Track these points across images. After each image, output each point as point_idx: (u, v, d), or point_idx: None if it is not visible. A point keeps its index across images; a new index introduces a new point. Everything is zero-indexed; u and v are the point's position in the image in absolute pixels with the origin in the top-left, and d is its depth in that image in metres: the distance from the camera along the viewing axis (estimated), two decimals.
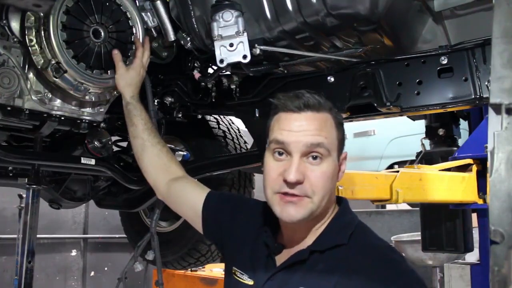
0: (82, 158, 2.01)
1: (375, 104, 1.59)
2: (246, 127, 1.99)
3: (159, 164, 1.56)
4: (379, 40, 1.62)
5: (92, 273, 6.76)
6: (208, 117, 2.66)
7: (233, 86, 1.92)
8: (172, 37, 1.83)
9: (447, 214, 3.06)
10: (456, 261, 3.88)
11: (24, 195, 2.39)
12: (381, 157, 5.90)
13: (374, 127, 5.93)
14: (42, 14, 1.59)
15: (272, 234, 1.20)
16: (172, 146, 2.53)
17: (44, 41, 1.59)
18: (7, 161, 1.91)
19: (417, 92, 1.54)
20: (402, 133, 5.65)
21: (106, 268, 6.82)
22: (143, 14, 1.81)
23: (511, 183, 0.68)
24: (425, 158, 3.16)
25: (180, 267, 3.06)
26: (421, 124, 3.59)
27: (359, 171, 2.29)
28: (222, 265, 5.48)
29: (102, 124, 2.05)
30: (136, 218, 3.07)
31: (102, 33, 1.70)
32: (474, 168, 2.87)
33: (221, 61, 1.55)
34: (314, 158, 1.07)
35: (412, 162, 3.52)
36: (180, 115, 2.13)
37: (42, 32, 1.59)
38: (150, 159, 1.57)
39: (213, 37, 1.54)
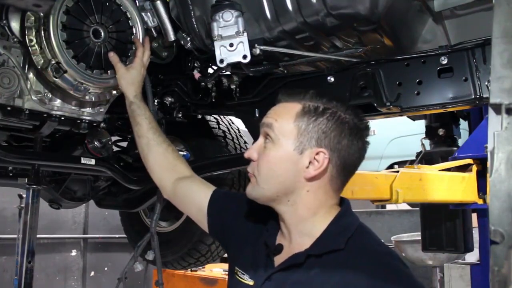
0: (82, 158, 2.01)
1: (375, 104, 1.59)
2: (246, 127, 1.99)
3: (165, 163, 1.55)
4: (379, 40, 1.62)
5: (92, 273, 6.76)
6: (208, 117, 2.66)
7: (233, 86, 1.92)
8: (172, 37, 1.83)
9: (447, 214, 3.06)
10: (456, 261, 3.87)
11: (24, 195, 2.39)
12: (381, 157, 5.90)
13: (374, 127, 5.92)
14: (42, 14, 1.59)
15: (273, 233, 1.20)
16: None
17: (44, 41, 1.59)
18: (7, 161, 1.91)
19: (417, 92, 1.54)
20: (402, 133, 5.65)
21: (106, 268, 6.83)
22: (143, 14, 1.81)
23: (511, 183, 0.68)
24: (425, 158, 3.16)
25: (180, 267, 3.06)
26: (421, 124, 3.58)
27: (359, 171, 2.28)
28: (222, 265, 5.52)
29: (102, 124, 2.05)
30: (136, 218, 3.07)
31: (102, 33, 1.70)
32: (474, 168, 2.87)
33: (221, 61, 1.55)
34: (267, 141, 1.13)
35: (412, 162, 3.52)
36: (180, 115, 2.13)
37: (42, 32, 1.59)
38: (155, 158, 1.57)
39: (213, 37, 1.54)
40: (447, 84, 1.50)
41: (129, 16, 1.76)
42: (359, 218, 1.15)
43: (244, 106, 1.92)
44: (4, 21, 1.60)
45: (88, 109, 1.86)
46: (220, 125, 2.69)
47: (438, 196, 2.61)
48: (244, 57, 1.53)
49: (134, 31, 1.77)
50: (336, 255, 1.06)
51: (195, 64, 1.99)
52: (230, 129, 2.72)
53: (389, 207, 6.76)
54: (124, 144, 2.64)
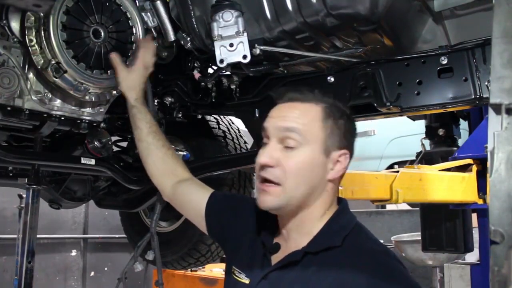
0: (82, 158, 2.00)
1: (375, 104, 1.59)
2: (246, 127, 1.99)
3: (164, 167, 1.55)
4: (379, 40, 1.62)
5: (92, 273, 6.76)
6: (208, 117, 2.66)
7: (233, 86, 1.92)
8: (172, 37, 1.83)
9: (447, 214, 3.06)
10: (456, 261, 3.87)
11: (24, 195, 2.39)
12: (381, 157, 5.90)
13: (374, 127, 5.93)
14: (42, 14, 1.59)
15: (270, 233, 1.20)
16: (172, 146, 2.53)
17: (44, 41, 1.59)
18: (7, 161, 1.91)
19: (417, 92, 1.54)
20: (402, 133, 5.65)
21: (106, 268, 6.82)
22: (143, 14, 1.81)
23: (511, 183, 0.68)
24: (425, 158, 3.16)
25: (180, 267, 3.06)
26: (421, 124, 3.59)
27: (359, 171, 2.29)
28: (222, 265, 5.51)
29: (102, 124, 2.05)
30: (136, 218, 3.07)
31: (102, 33, 1.70)
32: (474, 168, 2.87)
33: (221, 61, 1.55)
34: (289, 146, 1.08)
35: (412, 162, 3.52)
36: (180, 115, 2.13)
37: (42, 32, 1.59)
38: (155, 162, 1.56)
39: (213, 37, 1.54)
40: (447, 84, 1.50)
41: (129, 16, 1.76)
42: (356, 217, 1.16)
43: (244, 106, 1.92)
44: (4, 21, 1.60)
45: (88, 109, 1.86)
46: (220, 125, 2.69)
47: (438, 196, 2.61)
48: (244, 57, 1.53)
49: (134, 31, 1.77)
50: (332, 252, 1.07)
51: (195, 64, 1.99)
52: (230, 129, 2.72)
53: (389, 207, 6.76)
54: (124, 144, 2.64)
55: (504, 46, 0.73)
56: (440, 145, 3.22)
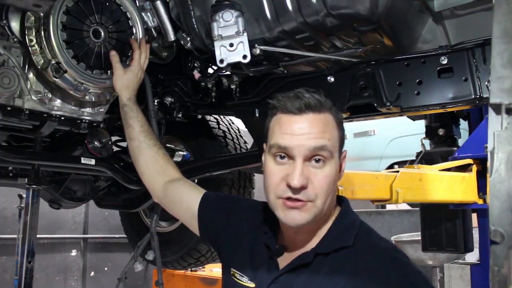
0: (82, 158, 2.01)
1: (375, 104, 1.59)
2: (246, 127, 1.99)
3: (156, 167, 1.54)
4: (379, 40, 1.62)
5: (92, 273, 6.76)
6: (208, 117, 2.66)
7: (233, 86, 1.92)
8: (172, 37, 1.83)
9: (447, 214, 3.06)
10: (456, 261, 3.87)
11: (24, 195, 2.39)
12: (381, 157, 5.90)
13: (374, 127, 5.93)
14: (42, 14, 1.59)
15: (272, 235, 1.18)
16: (172, 146, 2.53)
17: (44, 41, 1.59)
18: (7, 161, 1.91)
19: (417, 92, 1.54)
20: (402, 133, 5.65)
21: (106, 268, 6.82)
22: (143, 14, 1.81)
23: (511, 183, 0.68)
24: (425, 158, 3.16)
25: (180, 267, 3.06)
26: (421, 124, 3.58)
27: (359, 171, 2.29)
28: None
29: (102, 124, 2.05)
30: (136, 218, 3.07)
31: (102, 33, 1.70)
32: (474, 168, 2.86)
33: (221, 61, 1.55)
34: (317, 161, 1.04)
35: (412, 162, 3.51)
36: (180, 115, 2.13)
37: (42, 32, 1.59)
38: (146, 161, 1.56)
39: (213, 37, 1.54)
40: (447, 84, 1.50)
41: (129, 16, 1.76)
42: (363, 217, 1.16)
43: (244, 106, 1.92)
44: (4, 21, 1.60)
45: (88, 109, 1.86)
46: (220, 125, 2.69)
47: (438, 196, 2.61)
48: (244, 57, 1.53)
49: (134, 31, 1.77)
50: (344, 252, 1.06)
51: (195, 64, 1.99)
52: (230, 129, 2.73)
53: (389, 207, 6.76)
54: (124, 144, 2.64)
55: (504, 46, 0.73)
56: (440, 145, 3.22)
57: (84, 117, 1.86)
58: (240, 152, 2.65)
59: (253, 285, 1.15)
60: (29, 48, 1.62)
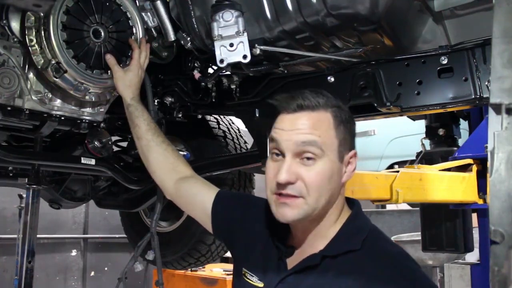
0: (82, 158, 2.01)
1: (375, 104, 1.59)
2: (246, 127, 1.99)
3: (166, 164, 1.54)
4: (379, 40, 1.62)
5: (92, 273, 6.76)
6: (208, 117, 2.66)
7: (233, 86, 1.92)
8: (172, 37, 1.83)
9: (447, 214, 3.06)
10: (456, 261, 3.87)
11: (24, 195, 2.39)
12: (381, 157, 5.89)
13: (374, 127, 5.93)
14: (42, 14, 1.59)
15: (283, 236, 1.18)
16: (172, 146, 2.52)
17: (44, 41, 1.59)
18: (7, 161, 1.91)
19: (417, 92, 1.54)
20: (402, 133, 5.65)
21: (106, 268, 6.82)
22: (143, 14, 1.81)
23: (511, 183, 0.68)
24: (425, 158, 3.16)
25: (180, 267, 3.06)
26: (421, 124, 3.58)
27: (359, 171, 2.29)
28: (222, 265, 5.52)
29: (102, 124, 2.05)
30: (136, 218, 3.07)
31: (102, 33, 1.70)
32: (474, 168, 2.86)
33: (221, 61, 1.55)
34: (308, 158, 1.05)
35: (412, 162, 3.51)
36: (180, 115, 2.13)
37: (42, 32, 1.59)
38: (156, 159, 1.56)
39: (213, 37, 1.54)
40: (447, 84, 1.50)
41: (129, 16, 1.76)
42: (369, 219, 1.16)
43: (244, 106, 1.92)
44: (4, 21, 1.60)
45: (88, 109, 1.86)
46: (220, 125, 2.69)
47: (438, 196, 2.61)
48: (244, 57, 1.53)
49: (134, 31, 1.77)
50: (352, 256, 1.06)
51: (195, 64, 1.99)
52: (230, 129, 2.72)
53: (389, 207, 6.76)
54: (124, 144, 2.64)
55: (504, 46, 0.73)
56: (440, 145, 3.22)
57: (84, 117, 1.85)
58: (240, 152, 2.65)
59: (262, 284, 1.15)
60: (29, 48, 1.62)
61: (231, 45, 1.53)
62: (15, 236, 4.61)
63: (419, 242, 3.42)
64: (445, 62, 1.50)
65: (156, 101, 2.07)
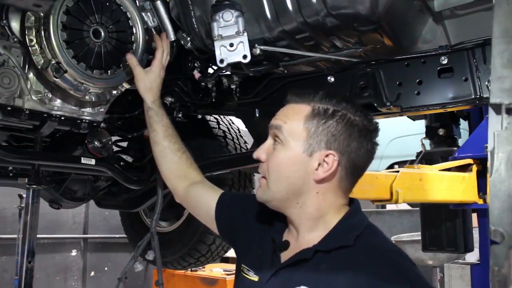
0: (82, 158, 2.00)
1: (375, 104, 1.59)
2: (246, 127, 1.99)
3: (178, 171, 1.55)
4: (379, 40, 1.62)
5: (92, 273, 6.76)
6: (208, 117, 2.66)
7: (233, 86, 1.92)
8: (172, 37, 1.82)
9: (447, 214, 3.06)
10: (456, 261, 3.87)
11: (24, 195, 2.39)
12: (381, 157, 5.89)
13: None
14: (42, 14, 1.59)
15: (280, 230, 1.20)
16: None
17: (44, 41, 1.58)
18: (7, 161, 1.91)
19: (417, 92, 1.54)
20: (402, 133, 5.64)
21: (106, 268, 6.82)
22: (143, 14, 1.81)
23: (511, 183, 0.68)
24: (425, 158, 3.16)
25: (180, 267, 3.06)
26: (421, 124, 3.58)
27: None
28: (222, 265, 5.52)
29: (102, 124, 2.05)
30: (136, 218, 3.07)
31: (102, 33, 1.70)
32: (474, 168, 2.86)
33: (221, 61, 1.55)
34: (276, 142, 1.14)
35: (412, 162, 3.51)
36: (180, 115, 2.13)
37: (42, 32, 1.58)
38: (169, 166, 1.56)
39: (213, 37, 1.54)
40: (447, 84, 1.50)
41: (129, 16, 1.76)
42: (368, 218, 1.16)
43: (244, 106, 1.92)
44: (4, 21, 1.60)
45: (88, 109, 1.86)
46: (220, 125, 2.69)
47: (438, 196, 2.61)
48: (244, 57, 1.53)
49: (134, 31, 1.77)
50: (344, 251, 1.06)
51: (195, 64, 1.99)
52: (230, 129, 2.72)
53: (389, 207, 6.76)
54: (124, 144, 2.64)
55: (504, 46, 0.73)
56: (440, 145, 3.22)
57: (84, 117, 1.85)
58: (240, 152, 2.65)
59: (257, 278, 1.16)
60: (29, 48, 1.62)
61: (231, 45, 1.53)
62: (15, 236, 4.61)
63: (419, 242, 3.42)
64: (445, 62, 1.50)
65: None
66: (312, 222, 1.13)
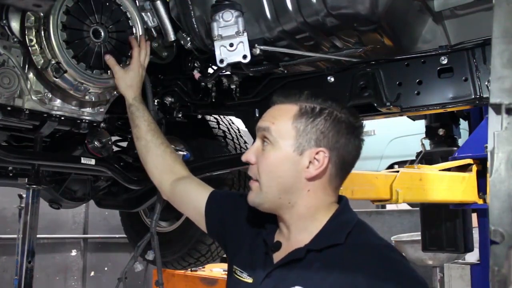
0: (82, 158, 2.00)
1: (375, 104, 1.59)
2: (246, 127, 1.99)
3: (163, 165, 1.56)
4: (379, 40, 1.62)
5: (92, 273, 6.76)
6: (208, 117, 2.66)
7: (233, 86, 1.92)
8: (172, 37, 1.83)
9: (447, 214, 3.06)
10: (456, 261, 3.88)
11: (24, 195, 2.39)
12: (381, 157, 5.90)
13: (374, 127, 5.93)
14: (42, 14, 1.59)
15: (271, 231, 1.20)
16: (172, 146, 2.52)
17: (44, 41, 1.58)
18: (7, 161, 1.91)
19: (417, 92, 1.54)
20: (402, 133, 5.65)
21: (106, 268, 6.82)
22: (143, 14, 1.81)
23: (511, 183, 0.68)
24: (425, 158, 3.16)
25: (180, 267, 3.06)
26: (421, 124, 3.59)
27: (359, 171, 2.29)
28: (222, 265, 5.52)
29: (102, 124, 2.04)
30: (136, 218, 3.07)
31: (102, 33, 1.70)
32: (474, 168, 2.87)
33: (221, 61, 1.55)
34: (265, 143, 1.14)
35: (412, 162, 3.52)
36: (180, 115, 2.13)
37: (42, 32, 1.58)
38: (154, 160, 1.57)
39: (213, 37, 1.54)
40: (447, 84, 1.50)
41: (129, 16, 1.76)
42: (357, 215, 1.16)
43: (244, 106, 1.92)
44: (4, 21, 1.60)
45: (88, 109, 1.86)
46: (220, 125, 2.69)
47: (438, 196, 2.61)
48: (244, 57, 1.53)
49: (134, 31, 1.77)
50: (336, 249, 1.07)
51: (195, 64, 1.99)
52: (230, 129, 2.72)
53: (389, 207, 6.76)
54: (124, 144, 2.64)
55: (504, 46, 0.73)
56: (440, 145, 3.22)
57: (84, 117, 1.85)
58: (240, 152, 2.64)
59: (251, 280, 1.17)
60: (29, 48, 1.62)
61: (231, 45, 1.53)
62: (15, 236, 4.62)
63: (419, 242, 3.43)
64: (445, 62, 1.50)
65: (156, 101, 2.07)
66: (303, 221, 1.13)
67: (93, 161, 2.01)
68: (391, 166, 5.57)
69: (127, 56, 1.74)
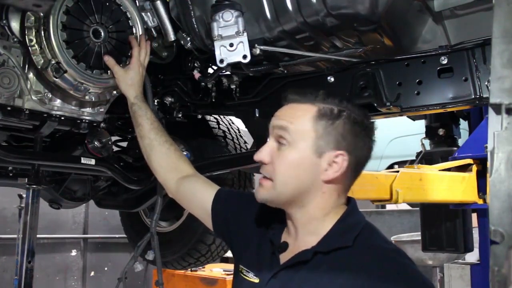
0: (82, 158, 2.00)
1: (375, 104, 1.59)
2: (246, 127, 1.99)
3: (168, 163, 1.55)
4: (379, 40, 1.62)
5: (92, 273, 6.76)
6: (208, 117, 2.66)
7: (233, 86, 1.92)
8: (172, 37, 1.83)
9: (447, 214, 3.06)
10: (456, 261, 3.88)
11: (24, 195, 2.39)
12: (381, 157, 5.89)
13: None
14: (42, 14, 1.59)
15: (279, 231, 1.20)
16: None
17: (44, 41, 1.58)
18: (7, 161, 1.91)
19: (417, 92, 1.54)
20: (402, 133, 5.65)
21: (106, 268, 6.82)
22: (143, 14, 1.81)
23: (511, 183, 0.68)
24: (425, 158, 3.16)
25: (180, 267, 3.06)
26: (421, 124, 3.59)
27: None
28: (222, 265, 5.52)
29: (102, 124, 2.05)
30: (136, 218, 3.07)
31: (102, 33, 1.70)
32: (474, 168, 2.87)
33: (221, 61, 1.55)
34: (281, 143, 1.11)
35: (412, 162, 3.51)
36: (180, 115, 2.13)
37: (42, 32, 1.59)
38: (158, 158, 1.57)
39: (213, 37, 1.54)
40: (447, 84, 1.50)
41: (129, 16, 1.76)
42: (365, 217, 1.16)
43: (244, 106, 1.92)
44: (4, 21, 1.60)
45: (88, 109, 1.86)
46: (220, 125, 2.69)
47: (438, 196, 2.61)
48: (244, 57, 1.53)
49: (134, 31, 1.77)
50: (343, 252, 1.06)
51: (195, 64, 1.99)
52: (230, 129, 2.72)
53: (389, 207, 6.76)
54: (124, 144, 2.64)
55: (504, 46, 0.73)
56: (440, 145, 3.22)
57: (84, 117, 1.85)
58: (240, 152, 2.65)
59: (257, 280, 1.16)
60: (29, 48, 1.62)
61: (231, 45, 1.53)
62: (15, 236, 4.61)
63: (419, 242, 3.43)
64: (445, 62, 1.50)
65: (156, 101, 2.07)
66: (313, 222, 1.12)
67: (93, 161, 2.01)
68: (391, 166, 5.57)
69: (127, 56, 1.74)
